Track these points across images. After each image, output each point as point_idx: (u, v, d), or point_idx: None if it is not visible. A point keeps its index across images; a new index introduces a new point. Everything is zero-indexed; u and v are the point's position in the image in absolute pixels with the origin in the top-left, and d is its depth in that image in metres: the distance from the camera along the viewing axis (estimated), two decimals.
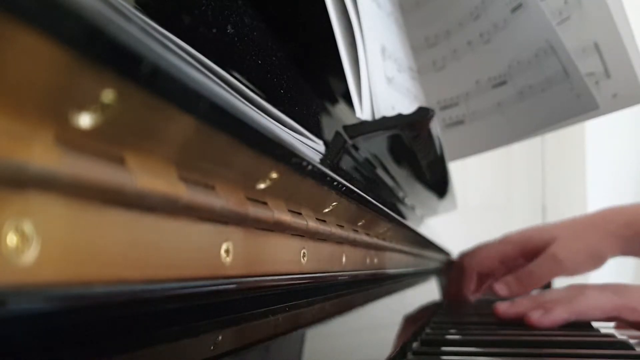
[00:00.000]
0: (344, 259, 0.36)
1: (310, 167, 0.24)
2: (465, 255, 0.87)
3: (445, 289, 0.91)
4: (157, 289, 0.15)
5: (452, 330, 0.57)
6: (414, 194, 0.75)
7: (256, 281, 0.22)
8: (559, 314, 0.57)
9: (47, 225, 0.11)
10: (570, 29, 0.72)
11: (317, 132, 0.33)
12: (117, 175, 0.13)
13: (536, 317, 0.57)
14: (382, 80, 0.42)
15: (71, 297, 0.12)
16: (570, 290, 0.62)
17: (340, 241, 0.35)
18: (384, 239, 0.49)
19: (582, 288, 0.61)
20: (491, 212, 2.27)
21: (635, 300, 0.58)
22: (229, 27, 0.25)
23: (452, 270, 0.89)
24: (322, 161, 0.29)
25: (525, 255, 0.78)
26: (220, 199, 0.18)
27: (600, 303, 0.58)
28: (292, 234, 0.26)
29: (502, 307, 0.62)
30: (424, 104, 0.52)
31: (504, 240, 0.83)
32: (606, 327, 0.59)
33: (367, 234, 0.42)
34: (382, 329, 0.46)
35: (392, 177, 0.59)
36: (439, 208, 1.01)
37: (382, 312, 0.48)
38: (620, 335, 0.53)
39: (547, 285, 0.84)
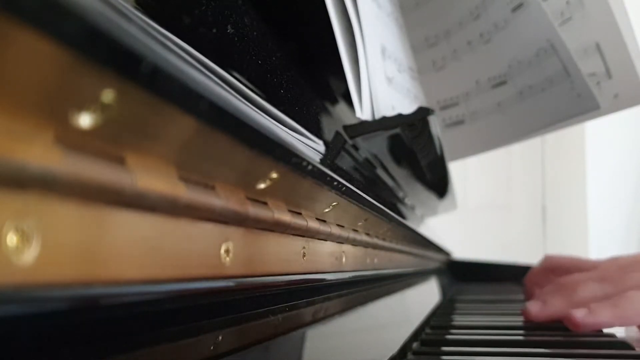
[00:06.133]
0: (344, 259, 0.36)
1: (310, 167, 0.24)
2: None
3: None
4: (157, 289, 0.15)
5: (453, 331, 0.57)
6: (414, 194, 0.75)
7: (256, 281, 0.22)
8: (605, 318, 0.53)
9: (47, 225, 0.11)
10: (572, 30, 0.72)
11: (317, 132, 0.33)
12: (117, 175, 0.13)
13: (580, 315, 0.53)
14: (382, 80, 0.42)
15: (71, 297, 0.12)
16: (606, 288, 0.57)
17: (340, 241, 0.35)
18: (384, 239, 0.49)
19: (621, 288, 0.56)
20: (491, 212, 2.27)
21: None
22: (229, 27, 0.25)
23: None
24: (322, 161, 0.29)
25: None
26: (220, 199, 0.18)
27: None
28: (292, 234, 0.26)
29: (534, 309, 0.58)
30: (424, 104, 0.52)
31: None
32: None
33: (367, 234, 0.42)
34: (382, 329, 0.46)
35: (392, 177, 0.59)
36: (439, 208, 1.01)
37: (382, 312, 0.48)
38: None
39: None
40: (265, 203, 0.22)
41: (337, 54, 0.38)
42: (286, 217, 0.24)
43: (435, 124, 0.48)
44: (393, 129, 0.42)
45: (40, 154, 0.10)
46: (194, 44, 0.20)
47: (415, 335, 0.49)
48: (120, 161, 0.13)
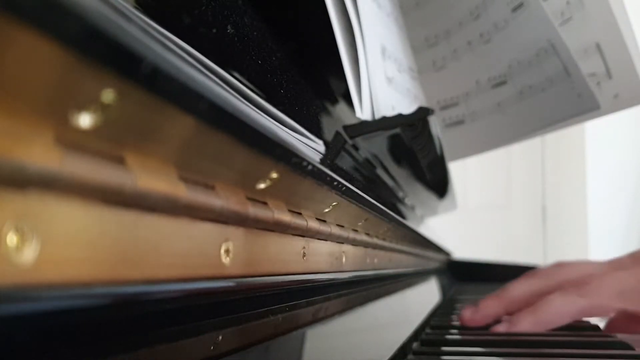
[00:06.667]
0: (344, 259, 0.36)
1: (310, 167, 0.24)
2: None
3: None
4: (157, 289, 0.15)
5: (452, 331, 0.57)
6: (414, 194, 0.75)
7: (256, 281, 0.22)
8: (525, 327, 0.55)
9: (47, 225, 0.11)
10: (572, 30, 0.72)
11: (317, 132, 0.33)
12: (117, 175, 0.13)
13: (501, 330, 0.56)
14: (382, 80, 0.42)
15: (71, 297, 0.12)
16: (533, 290, 0.59)
17: (340, 241, 0.35)
18: (384, 239, 0.49)
19: (545, 291, 0.57)
20: (491, 212, 2.27)
21: (602, 297, 0.55)
22: (229, 27, 0.25)
23: None
24: (322, 161, 0.29)
25: None
26: (220, 199, 0.18)
27: (565, 309, 0.55)
28: (292, 234, 0.26)
29: (467, 315, 0.59)
30: (424, 104, 0.52)
31: None
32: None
33: (367, 234, 0.42)
34: (382, 329, 0.46)
35: (392, 177, 0.59)
36: (439, 208, 1.01)
37: (382, 312, 0.48)
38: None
39: None
40: (265, 203, 0.22)
41: (337, 54, 0.38)
42: (286, 217, 0.24)
43: (435, 124, 0.48)
44: (393, 129, 0.42)
45: (40, 154, 0.10)
46: (194, 44, 0.20)
47: (415, 335, 0.49)
48: (120, 161, 0.13)
